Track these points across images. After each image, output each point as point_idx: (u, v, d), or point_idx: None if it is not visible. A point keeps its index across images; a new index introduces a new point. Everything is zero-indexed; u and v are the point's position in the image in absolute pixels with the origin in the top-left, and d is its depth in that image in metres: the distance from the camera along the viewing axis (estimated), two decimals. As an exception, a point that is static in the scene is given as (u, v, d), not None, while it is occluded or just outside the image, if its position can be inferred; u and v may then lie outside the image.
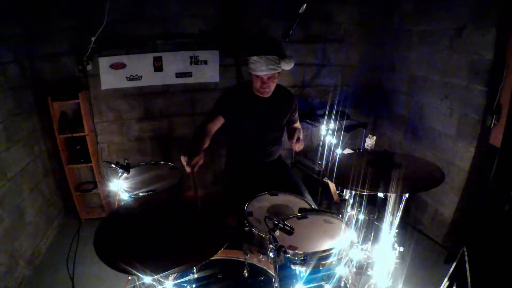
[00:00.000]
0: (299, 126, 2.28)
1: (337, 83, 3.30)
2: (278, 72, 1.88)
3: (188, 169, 1.57)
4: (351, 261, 1.52)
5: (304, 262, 1.27)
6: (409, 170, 1.55)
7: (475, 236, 1.92)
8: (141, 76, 2.91)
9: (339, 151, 2.53)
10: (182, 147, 3.18)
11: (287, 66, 1.85)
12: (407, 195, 1.64)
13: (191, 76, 2.99)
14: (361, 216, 1.86)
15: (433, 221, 2.74)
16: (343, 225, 1.49)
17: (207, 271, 1.44)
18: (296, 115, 2.20)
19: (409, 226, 2.83)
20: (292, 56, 1.88)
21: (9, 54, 2.34)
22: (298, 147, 1.96)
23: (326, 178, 2.43)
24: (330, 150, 2.67)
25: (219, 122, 1.98)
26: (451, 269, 1.66)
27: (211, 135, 1.91)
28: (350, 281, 1.54)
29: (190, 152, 1.60)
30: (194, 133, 1.90)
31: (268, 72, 1.81)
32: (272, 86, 1.93)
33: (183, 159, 1.58)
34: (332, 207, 2.59)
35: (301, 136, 2.02)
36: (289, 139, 2.02)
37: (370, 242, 1.93)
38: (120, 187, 1.83)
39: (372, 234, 1.93)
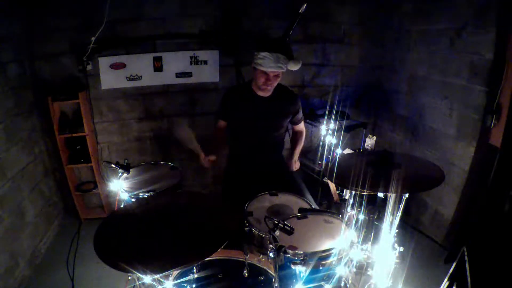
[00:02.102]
0: (303, 129, 2.29)
1: (337, 83, 3.30)
2: (283, 72, 1.91)
3: (205, 164, 1.94)
4: (351, 261, 1.52)
5: (304, 262, 1.27)
6: (409, 170, 1.55)
7: (475, 236, 1.93)
8: (141, 76, 2.90)
9: (339, 151, 2.53)
10: (182, 147, 3.17)
11: (294, 67, 1.89)
12: (407, 195, 1.63)
13: (191, 76, 2.99)
14: (361, 216, 1.86)
15: (433, 221, 2.73)
16: (343, 225, 1.49)
17: (207, 271, 1.44)
18: (300, 116, 2.20)
19: (409, 226, 2.83)
20: (299, 59, 1.91)
21: (9, 54, 2.34)
22: (295, 167, 2.20)
23: (326, 178, 2.43)
24: (330, 150, 2.67)
25: (224, 126, 2.12)
26: (451, 269, 1.66)
27: (223, 139, 2.14)
28: (350, 281, 1.54)
29: (208, 150, 1.93)
30: (212, 141, 2.13)
31: (275, 70, 1.84)
32: (274, 85, 1.95)
33: (201, 156, 1.92)
34: (332, 207, 2.59)
35: (298, 151, 2.23)
36: (288, 160, 2.22)
37: (370, 242, 1.93)
38: (120, 187, 1.82)
39: (372, 234, 1.93)
